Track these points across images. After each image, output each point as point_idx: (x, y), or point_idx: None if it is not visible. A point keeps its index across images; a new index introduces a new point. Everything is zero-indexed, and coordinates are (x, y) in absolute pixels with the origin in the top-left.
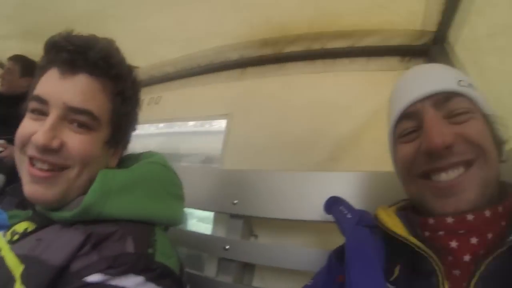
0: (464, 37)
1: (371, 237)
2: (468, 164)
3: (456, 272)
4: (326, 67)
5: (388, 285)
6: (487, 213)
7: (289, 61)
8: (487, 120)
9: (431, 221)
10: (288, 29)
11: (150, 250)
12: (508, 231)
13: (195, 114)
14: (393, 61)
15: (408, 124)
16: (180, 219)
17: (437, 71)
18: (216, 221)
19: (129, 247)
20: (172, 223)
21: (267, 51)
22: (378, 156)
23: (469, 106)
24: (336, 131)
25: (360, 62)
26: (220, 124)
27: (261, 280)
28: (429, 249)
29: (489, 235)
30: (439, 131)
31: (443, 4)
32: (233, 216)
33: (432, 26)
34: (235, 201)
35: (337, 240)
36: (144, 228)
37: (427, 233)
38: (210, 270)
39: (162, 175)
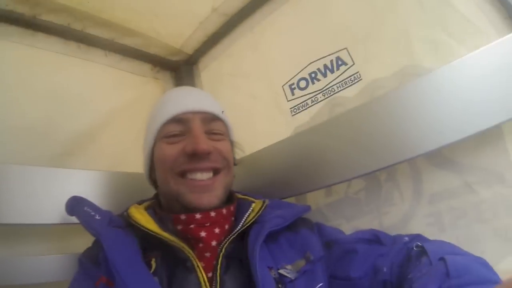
0: (211, 68)
1: (125, 236)
2: (216, 171)
3: (207, 254)
4: (80, 53)
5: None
6: (224, 211)
7: (43, 31)
8: (231, 144)
9: (183, 217)
10: None
11: None
12: (236, 224)
13: None
14: (145, 67)
15: (176, 127)
16: None
17: (208, 97)
18: None
19: None
20: None
21: (22, 9)
22: (114, 155)
23: (224, 131)
24: (75, 123)
25: (115, 58)
26: None
27: None
28: (182, 239)
29: (226, 226)
30: (204, 139)
31: (205, 37)
32: None
33: (189, 50)
34: None
35: (77, 243)
36: None
37: (179, 227)
38: None
39: None
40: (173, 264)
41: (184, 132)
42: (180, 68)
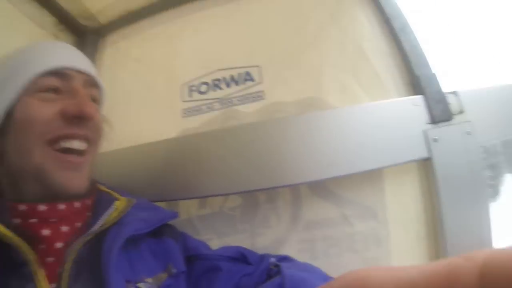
0: (118, 46)
1: None
2: (89, 142)
3: (50, 259)
4: None
5: None
6: (77, 204)
7: None
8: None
9: (22, 207)
10: None
11: None
12: (93, 221)
13: None
14: (49, 20)
15: (54, 82)
16: None
17: (89, 60)
18: None
19: None
20: None
21: None
22: None
23: (100, 101)
24: None
25: None
26: None
27: None
28: (20, 237)
29: (78, 224)
30: (91, 103)
31: (125, 12)
32: None
33: (103, 19)
34: None
35: None
36: None
37: (17, 220)
38: None
39: None
40: (7, 268)
41: (62, 91)
42: (86, 36)
